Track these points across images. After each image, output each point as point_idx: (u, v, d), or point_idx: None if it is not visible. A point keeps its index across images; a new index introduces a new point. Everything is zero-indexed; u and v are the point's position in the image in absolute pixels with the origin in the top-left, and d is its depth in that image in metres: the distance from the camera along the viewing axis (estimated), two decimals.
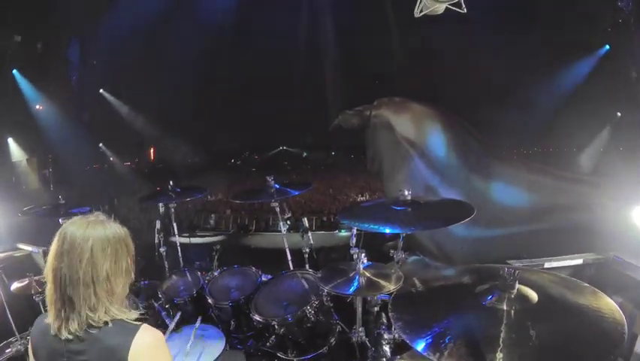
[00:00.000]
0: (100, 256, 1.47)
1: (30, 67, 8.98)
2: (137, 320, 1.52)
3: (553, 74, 9.54)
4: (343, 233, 6.78)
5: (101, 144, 12.63)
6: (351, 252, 2.80)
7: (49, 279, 1.49)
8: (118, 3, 9.04)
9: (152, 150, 14.88)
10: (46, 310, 1.54)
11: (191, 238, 5.98)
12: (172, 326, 2.86)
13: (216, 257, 3.87)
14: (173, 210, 4.05)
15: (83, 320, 1.43)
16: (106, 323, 1.45)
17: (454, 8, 3.26)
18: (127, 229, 1.62)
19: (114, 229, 1.56)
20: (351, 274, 2.68)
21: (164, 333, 2.88)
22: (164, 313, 3.23)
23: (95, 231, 1.50)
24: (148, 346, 1.46)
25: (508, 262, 3.24)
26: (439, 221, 2.80)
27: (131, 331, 1.46)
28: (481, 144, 6.75)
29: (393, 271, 2.70)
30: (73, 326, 1.43)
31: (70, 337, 1.44)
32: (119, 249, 1.53)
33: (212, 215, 9.54)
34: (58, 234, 1.51)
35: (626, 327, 1.40)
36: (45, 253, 3.93)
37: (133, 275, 1.60)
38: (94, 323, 1.44)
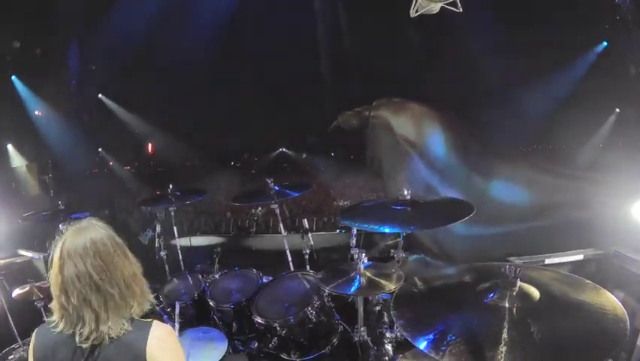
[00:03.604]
0: (117, 260, 1.50)
1: (29, 72, 8.99)
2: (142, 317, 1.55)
3: (551, 72, 9.54)
4: (343, 233, 6.78)
5: (100, 149, 12.64)
6: (352, 252, 2.80)
7: (60, 296, 1.44)
8: (117, 7, 9.04)
9: (150, 145, 14.78)
10: (47, 316, 1.53)
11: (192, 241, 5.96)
12: None
13: (217, 260, 3.85)
14: (173, 213, 4.06)
15: (106, 333, 1.43)
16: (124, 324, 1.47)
17: (450, 8, 3.25)
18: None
19: (104, 229, 1.56)
20: (351, 274, 2.69)
21: None
22: (166, 316, 3.23)
23: (100, 235, 1.51)
24: (163, 339, 1.49)
25: (509, 259, 3.24)
26: (438, 220, 2.80)
27: (144, 326, 1.50)
28: (481, 142, 6.76)
29: (393, 270, 2.71)
30: (97, 339, 1.42)
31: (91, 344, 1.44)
32: (119, 244, 1.55)
33: (213, 218, 9.52)
34: (61, 257, 1.45)
35: (628, 322, 1.40)
36: (46, 260, 3.92)
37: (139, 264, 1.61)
38: (117, 333, 1.44)
